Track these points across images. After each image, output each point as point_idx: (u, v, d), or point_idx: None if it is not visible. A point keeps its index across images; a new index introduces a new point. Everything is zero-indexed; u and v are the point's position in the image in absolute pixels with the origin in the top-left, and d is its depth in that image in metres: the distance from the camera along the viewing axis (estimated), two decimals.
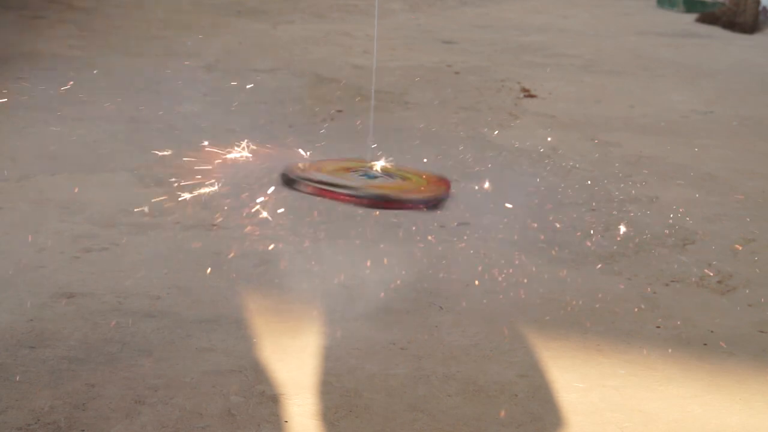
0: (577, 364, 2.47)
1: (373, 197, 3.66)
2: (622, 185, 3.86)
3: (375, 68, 4.74)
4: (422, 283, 2.92)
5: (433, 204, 3.66)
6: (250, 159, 4.02)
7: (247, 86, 5.21)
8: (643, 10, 8.68)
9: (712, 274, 3.06)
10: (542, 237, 3.31)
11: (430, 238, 3.27)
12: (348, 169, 3.95)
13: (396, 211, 3.48)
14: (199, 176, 3.81)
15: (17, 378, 2.29)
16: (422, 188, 3.78)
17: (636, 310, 2.80)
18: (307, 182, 3.77)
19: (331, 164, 3.99)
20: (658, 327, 2.70)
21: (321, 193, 3.74)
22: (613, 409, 2.28)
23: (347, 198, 3.67)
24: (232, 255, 3.06)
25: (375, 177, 3.91)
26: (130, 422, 2.13)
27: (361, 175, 3.91)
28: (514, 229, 3.37)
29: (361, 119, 4.47)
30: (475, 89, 5.38)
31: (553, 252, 3.19)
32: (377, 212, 3.47)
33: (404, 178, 3.88)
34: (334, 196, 3.71)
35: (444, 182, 3.82)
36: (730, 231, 3.43)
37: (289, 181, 3.80)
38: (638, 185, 3.87)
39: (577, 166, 4.09)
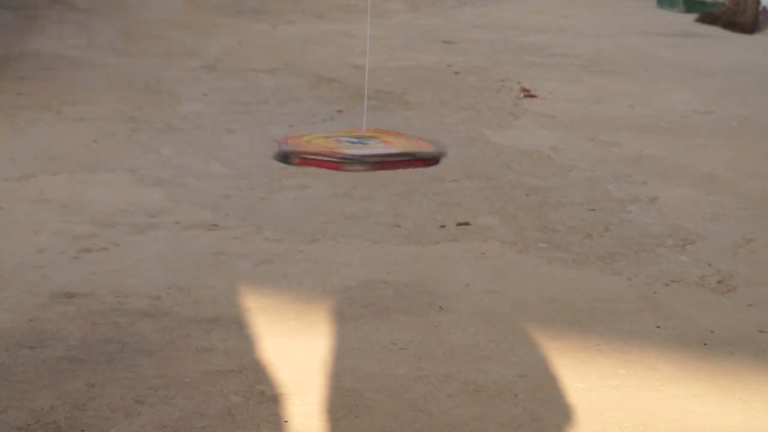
0: (577, 364, 2.47)
1: (373, 158, 3.83)
2: (622, 185, 3.86)
3: (369, 53, 4.74)
4: (422, 283, 2.92)
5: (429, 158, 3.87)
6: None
7: (248, 87, 5.22)
8: (643, 10, 8.68)
9: (712, 274, 3.06)
10: (542, 237, 3.32)
11: (430, 237, 3.28)
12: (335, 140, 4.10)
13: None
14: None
15: (17, 378, 2.29)
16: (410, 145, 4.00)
17: (636, 310, 2.80)
18: (302, 155, 3.91)
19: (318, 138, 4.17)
20: (658, 327, 2.70)
21: (318, 164, 3.86)
22: (613, 409, 2.28)
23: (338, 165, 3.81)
24: (232, 255, 3.06)
25: (364, 143, 4.02)
26: (130, 422, 2.13)
27: (351, 142, 4.01)
28: (514, 229, 3.38)
29: (362, 119, 4.47)
30: (475, 89, 5.38)
31: (553, 252, 3.19)
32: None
33: (386, 142, 4.07)
34: (331, 165, 3.84)
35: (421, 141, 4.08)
36: (730, 231, 3.43)
37: (284, 156, 3.95)
38: (638, 185, 3.87)
39: (577, 166, 4.09)
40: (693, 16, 8.25)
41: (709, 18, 8.04)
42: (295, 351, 2.48)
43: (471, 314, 2.72)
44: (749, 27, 7.69)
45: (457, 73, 5.78)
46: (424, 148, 4.13)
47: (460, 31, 7.26)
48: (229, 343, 2.50)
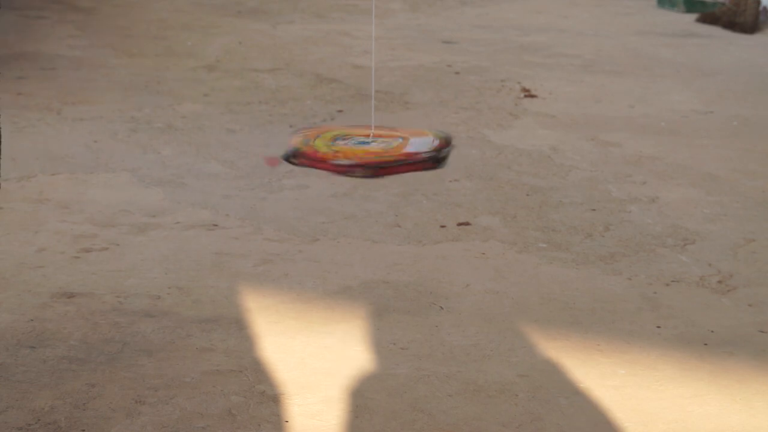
0: (577, 364, 2.47)
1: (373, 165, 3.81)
2: (622, 185, 3.86)
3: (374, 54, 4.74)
4: (422, 283, 2.92)
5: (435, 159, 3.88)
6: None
7: (248, 87, 5.22)
8: (643, 10, 8.68)
9: (712, 274, 3.06)
10: (542, 237, 3.32)
11: (430, 237, 3.28)
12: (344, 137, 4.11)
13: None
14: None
15: (18, 378, 2.29)
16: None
17: (636, 310, 2.80)
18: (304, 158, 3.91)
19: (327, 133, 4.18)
20: (658, 327, 2.70)
21: (317, 166, 3.87)
22: (613, 409, 2.28)
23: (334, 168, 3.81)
24: (232, 255, 3.06)
25: (370, 143, 4.03)
26: (131, 422, 2.13)
27: (357, 143, 4.02)
28: (514, 229, 3.38)
29: (362, 119, 4.47)
30: (475, 89, 5.38)
31: (554, 252, 3.19)
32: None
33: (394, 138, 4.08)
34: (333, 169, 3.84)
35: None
36: (730, 231, 3.43)
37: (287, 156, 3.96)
38: (638, 185, 3.87)
39: (577, 166, 4.09)
40: (693, 16, 8.25)
41: (709, 18, 8.03)
42: (295, 351, 2.48)
43: (471, 314, 2.72)
44: (749, 27, 7.69)
45: (457, 73, 5.78)
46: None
47: (460, 31, 7.26)
48: (230, 343, 2.50)
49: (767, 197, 3.81)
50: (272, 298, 2.77)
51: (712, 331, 2.68)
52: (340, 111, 4.82)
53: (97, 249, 3.07)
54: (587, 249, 3.22)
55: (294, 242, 3.18)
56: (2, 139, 4.06)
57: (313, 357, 2.45)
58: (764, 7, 7.92)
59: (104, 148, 4.07)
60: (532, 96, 5.28)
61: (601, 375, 2.43)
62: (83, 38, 6.33)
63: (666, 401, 2.32)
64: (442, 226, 3.37)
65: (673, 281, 3.00)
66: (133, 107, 4.70)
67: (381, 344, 2.53)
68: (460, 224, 3.40)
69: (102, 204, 3.44)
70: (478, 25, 7.57)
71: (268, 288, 2.84)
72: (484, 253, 3.16)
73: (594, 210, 3.58)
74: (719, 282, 3.01)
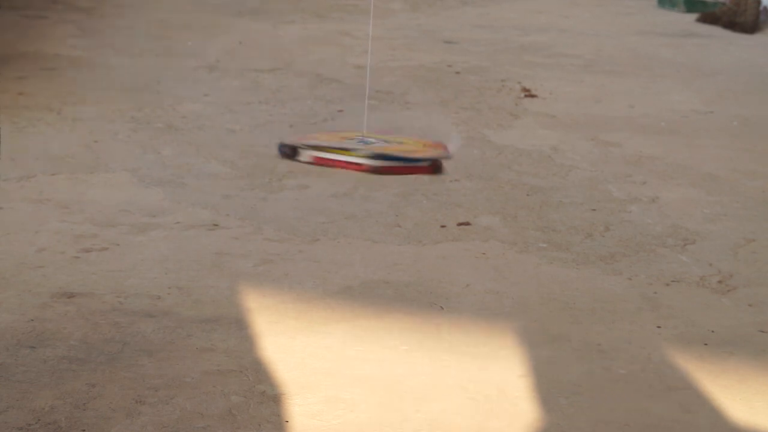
0: (576, 364, 2.47)
1: (378, 158, 3.85)
2: (622, 185, 3.86)
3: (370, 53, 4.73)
4: (423, 283, 2.92)
5: (436, 165, 3.87)
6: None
7: (248, 87, 5.22)
8: (643, 10, 8.68)
9: (712, 274, 3.06)
10: (543, 237, 3.32)
11: (430, 237, 3.28)
12: (344, 138, 4.14)
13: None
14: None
15: (18, 378, 2.29)
16: (421, 150, 4.02)
17: (636, 310, 2.80)
18: (308, 150, 3.93)
19: (328, 136, 4.21)
20: (659, 327, 2.70)
21: (322, 162, 3.88)
22: (612, 408, 2.28)
23: (348, 165, 3.83)
24: (232, 255, 3.06)
25: (373, 143, 4.06)
26: (131, 422, 2.13)
27: (358, 142, 4.05)
28: (515, 229, 3.38)
29: (363, 119, 4.47)
30: (475, 89, 5.38)
31: (554, 252, 3.19)
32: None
33: (401, 143, 4.11)
34: (336, 164, 3.85)
35: (440, 146, 4.13)
36: (730, 231, 3.43)
37: (290, 151, 3.98)
38: (638, 185, 3.87)
39: (578, 166, 4.09)
40: (693, 16, 8.25)
41: (709, 18, 8.03)
42: (296, 351, 2.48)
43: (471, 314, 2.72)
44: (750, 27, 7.69)
45: (457, 73, 5.78)
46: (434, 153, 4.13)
47: (460, 31, 7.26)
48: (230, 342, 2.50)
49: (767, 197, 3.81)
50: (272, 298, 2.77)
51: (712, 331, 2.68)
52: (340, 111, 4.82)
53: (97, 249, 3.07)
54: (587, 249, 3.22)
55: (294, 242, 3.18)
56: (2, 139, 4.06)
57: (313, 357, 2.45)
58: (764, 7, 7.92)
59: (104, 148, 4.07)
60: (533, 96, 5.28)
61: (600, 375, 2.43)
62: (83, 38, 6.33)
63: (666, 401, 2.32)
64: (443, 226, 3.37)
65: (673, 281, 3.00)
66: (133, 107, 4.70)
67: (381, 344, 2.53)
68: (460, 224, 3.40)
69: (102, 204, 3.44)
70: (479, 25, 7.57)
71: (268, 288, 2.85)
72: (484, 253, 3.16)
73: (594, 210, 3.58)
74: (719, 282, 3.01)
